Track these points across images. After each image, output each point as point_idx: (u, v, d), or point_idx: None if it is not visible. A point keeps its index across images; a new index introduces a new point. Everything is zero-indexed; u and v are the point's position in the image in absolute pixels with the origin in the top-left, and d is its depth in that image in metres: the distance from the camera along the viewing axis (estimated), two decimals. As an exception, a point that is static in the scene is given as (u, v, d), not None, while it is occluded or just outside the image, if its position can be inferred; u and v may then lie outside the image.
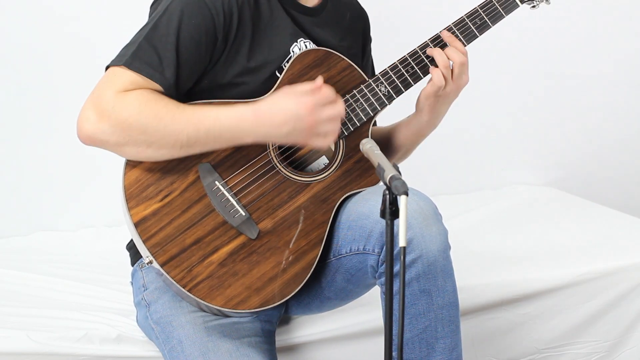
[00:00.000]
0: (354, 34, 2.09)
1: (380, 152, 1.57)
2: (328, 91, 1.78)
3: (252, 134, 1.78)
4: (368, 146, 1.59)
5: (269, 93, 1.86)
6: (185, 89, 1.85)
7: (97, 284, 2.38)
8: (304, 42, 1.94)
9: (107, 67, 1.77)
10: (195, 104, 1.84)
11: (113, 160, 1.83)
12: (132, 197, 1.81)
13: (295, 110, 1.76)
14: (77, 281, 2.44)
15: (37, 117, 2.89)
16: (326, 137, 1.79)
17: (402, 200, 1.36)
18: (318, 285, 1.91)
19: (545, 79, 3.41)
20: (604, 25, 3.40)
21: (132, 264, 2.02)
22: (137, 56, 1.75)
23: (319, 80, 1.79)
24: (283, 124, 1.76)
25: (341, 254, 1.89)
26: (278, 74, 1.90)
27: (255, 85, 1.88)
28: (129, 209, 1.78)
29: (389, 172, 1.44)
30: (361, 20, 2.14)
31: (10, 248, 2.78)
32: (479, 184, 3.38)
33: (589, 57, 3.41)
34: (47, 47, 2.86)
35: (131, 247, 1.97)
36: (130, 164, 1.80)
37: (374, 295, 1.94)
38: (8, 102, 2.88)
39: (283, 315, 2.03)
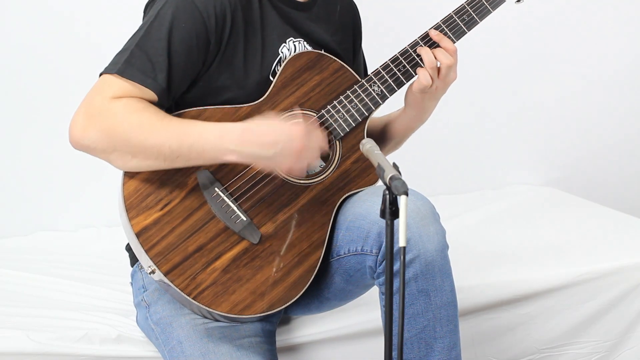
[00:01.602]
0: (345, 27, 2.11)
1: (380, 152, 1.58)
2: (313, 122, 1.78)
3: (237, 152, 1.75)
4: (368, 146, 1.60)
5: (263, 98, 1.88)
6: (179, 92, 1.85)
7: (97, 284, 2.39)
8: (293, 42, 1.95)
9: (100, 74, 1.78)
10: (183, 114, 1.85)
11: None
12: (132, 207, 1.81)
13: (288, 131, 1.74)
14: (77, 281, 2.45)
15: (37, 117, 2.91)
16: (303, 165, 1.79)
17: (402, 200, 1.36)
18: (317, 286, 1.91)
19: (545, 79, 3.42)
20: (604, 25, 3.42)
21: (132, 265, 2.02)
22: (130, 63, 1.76)
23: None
24: (272, 144, 1.74)
25: (340, 255, 1.89)
26: (271, 78, 1.90)
27: (249, 89, 1.90)
28: (130, 219, 1.78)
29: (389, 172, 1.44)
30: (351, 13, 2.16)
31: (10, 248, 2.79)
32: (479, 184, 3.38)
33: (589, 57, 3.42)
34: (48, 46, 2.87)
35: (130, 248, 1.97)
36: (129, 175, 1.80)
37: (374, 295, 1.95)
38: (8, 102, 2.89)
39: (283, 315, 2.04)
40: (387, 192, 1.42)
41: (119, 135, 1.73)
